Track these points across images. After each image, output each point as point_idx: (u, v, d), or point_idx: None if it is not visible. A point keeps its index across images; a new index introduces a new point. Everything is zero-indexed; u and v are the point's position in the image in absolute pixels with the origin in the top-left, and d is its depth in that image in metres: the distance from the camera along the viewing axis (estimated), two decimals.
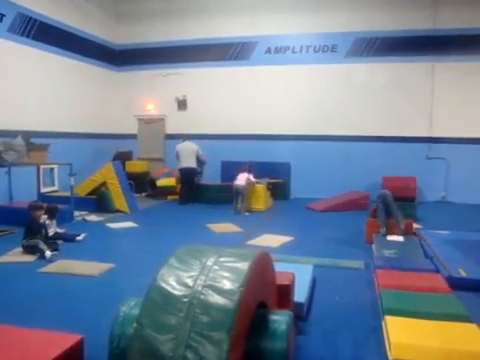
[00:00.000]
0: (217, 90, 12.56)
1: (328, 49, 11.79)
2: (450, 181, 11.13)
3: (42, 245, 5.67)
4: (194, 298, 2.13)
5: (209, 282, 2.20)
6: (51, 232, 6.46)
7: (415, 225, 7.20)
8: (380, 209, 6.69)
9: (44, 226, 6.15)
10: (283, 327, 2.45)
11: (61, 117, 10.74)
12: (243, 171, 9.70)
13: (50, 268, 5.21)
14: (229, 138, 12.40)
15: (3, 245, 6.11)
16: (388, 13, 11.21)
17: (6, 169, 8.23)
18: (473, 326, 3.25)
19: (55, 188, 9.52)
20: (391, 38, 11.24)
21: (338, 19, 11.51)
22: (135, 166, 12.34)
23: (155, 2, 12.81)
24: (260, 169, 10.68)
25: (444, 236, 6.41)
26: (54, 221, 6.72)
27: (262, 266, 2.59)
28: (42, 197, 8.84)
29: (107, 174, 9.40)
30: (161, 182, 11.40)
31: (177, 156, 10.76)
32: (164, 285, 2.22)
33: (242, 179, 9.48)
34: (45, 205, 6.55)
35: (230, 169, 11.29)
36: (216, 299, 2.11)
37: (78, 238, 6.59)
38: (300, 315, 3.64)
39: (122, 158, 11.61)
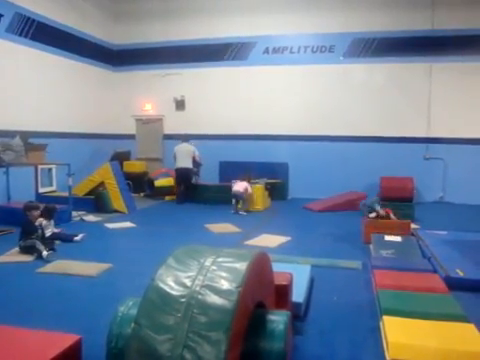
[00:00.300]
0: (215, 90, 12.56)
1: (326, 49, 11.80)
2: (448, 181, 11.15)
3: (39, 245, 5.66)
4: (192, 298, 2.13)
5: (207, 282, 2.20)
6: (49, 232, 6.46)
7: (413, 225, 7.22)
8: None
9: (40, 227, 6.13)
10: (281, 327, 2.46)
11: (59, 117, 10.72)
12: (242, 179, 9.75)
13: (48, 268, 5.21)
14: (227, 138, 12.40)
15: (1, 245, 6.10)
16: (386, 13, 11.22)
17: (4, 169, 8.22)
18: (470, 326, 3.26)
19: (53, 188, 9.49)
20: (389, 38, 11.26)
21: (336, 19, 11.52)
22: (133, 166, 12.33)
23: (153, 2, 12.79)
24: (258, 169, 10.70)
25: (442, 236, 6.42)
26: (52, 221, 6.71)
27: (260, 266, 2.59)
28: (40, 197, 8.84)
29: (105, 174, 9.40)
30: (159, 182, 11.40)
31: (174, 157, 10.86)
32: (162, 285, 2.22)
33: (241, 186, 9.51)
34: (41, 205, 6.54)
35: (228, 169, 11.31)
36: (214, 299, 2.11)
37: (76, 238, 6.59)
38: (298, 315, 3.64)
39: (120, 158, 11.61)
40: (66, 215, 8.02)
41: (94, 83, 12.49)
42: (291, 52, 12.06)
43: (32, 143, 9.29)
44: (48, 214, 6.65)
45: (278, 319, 2.52)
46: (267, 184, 10.58)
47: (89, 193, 9.45)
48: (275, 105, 12.09)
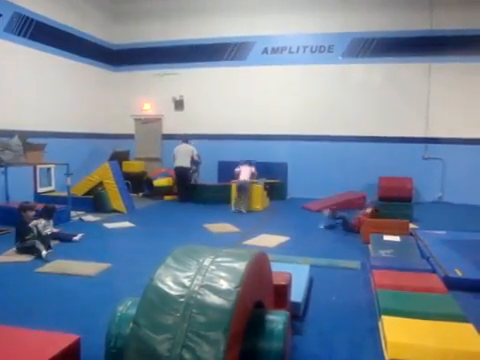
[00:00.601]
0: (214, 90, 12.56)
1: (325, 49, 11.80)
2: (446, 181, 11.15)
3: (39, 245, 5.66)
4: (191, 298, 2.13)
5: (206, 282, 2.20)
6: (48, 232, 6.45)
7: (412, 225, 7.23)
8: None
9: (36, 227, 6.09)
10: (280, 327, 2.45)
11: (58, 117, 10.70)
12: (244, 164, 9.84)
13: (47, 268, 5.21)
14: (226, 138, 12.40)
15: (0, 245, 6.09)
16: (384, 14, 11.23)
17: (3, 169, 8.21)
18: (469, 326, 3.26)
19: (52, 188, 9.48)
20: (387, 38, 11.27)
21: (335, 20, 11.53)
22: (132, 166, 12.32)
23: (152, 2, 12.79)
24: (257, 169, 10.69)
25: (440, 236, 6.42)
26: (51, 221, 6.71)
27: (259, 266, 2.59)
28: (39, 197, 8.85)
29: (104, 174, 9.39)
30: (158, 182, 11.40)
31: (173, 157, 10.97)
32: (161, 285, 2.22)
33: (246, 173, 9.59)
34: (36, 206, 6.52)
35: (227, 169, 11.30)
36: (213, 299, 2.11)
37: (75, 238, 6.59)
38: (297, 315, 3.64)
39: (119, 158, 11.60)
40: (65, 215, 8.02)
41: (93, 83, 12.48)
42: (290, 52, 12.07)
43: (31, 143, 9.26)
44: (47, 214, 6.64)
45: (277, 319, 2.51)
46: (266, 184, 10.57)
47: (88, 193, 9.44)
48: (274, 105, 12.09)
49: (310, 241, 6.99)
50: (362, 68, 11.49)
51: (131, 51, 13.20)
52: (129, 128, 13.38)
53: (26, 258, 5.59)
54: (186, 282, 2.22)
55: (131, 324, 2.13)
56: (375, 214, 7.71)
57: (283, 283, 3.33)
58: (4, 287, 4.59)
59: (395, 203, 8.70)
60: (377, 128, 11.46)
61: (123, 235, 7.43)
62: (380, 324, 3.48)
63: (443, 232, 6.68)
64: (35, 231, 5.99)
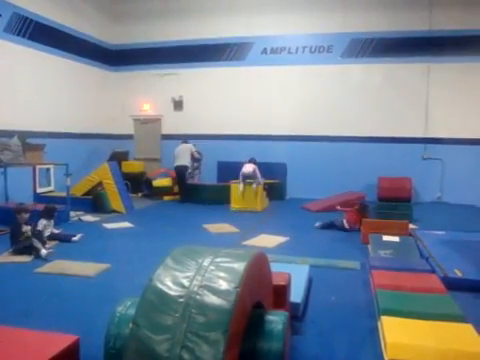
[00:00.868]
0: (213, 90, 12.56)
1: (324, 50, 11.81)
2: (446, 181, 11.16)
3: (37, 243, 5.65)
4: (190, 298, 2.12)
5: (205, 282, 2.20)
6: (48, 232, 6.46)
7: (411, 225, 7.23)
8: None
9: (32, 227, 6.07)
10: (279, 327, 2.45)
11: (57, 117, 10.70)
12: (248, 162, 10.01)
13: (46, 268, 5.20)
14: (225, 138, 12.40)
15: None
16: (383, 14, 11.24)
17: (2, 169, 8.20)
18: (468, 326, 3.26)
19: (51, 188, 9.48)
20: (386, 39, 11.28)
21: (334, 20, 11.54)
22: (131, 166, 12.32)
23: (151, 3, 12.79)
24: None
25: (440, 236, 6.42)
26: (52, 222, 6.71)
27: (258, 266, 2.59)
28: (38, 197, 8.85)
29: (103, 174, 9.39)
30: (157, 182, 11.40)
31: (174, 157, 11.01)
32: (160, 285, 2.22)
33: (249, 167, 9.68)
34: (30, 208, 6.49)
35: (226, 170, 11.31)
36: (212, 299, 2.11)
37: (74, 238, 6.58)
38: (296, 315, 3.65)
39: (118, 158, 11.61)
40: (64, 215, 8.00)
41: (92, 83, 12.48)
42: (289, 52, 12.07)
43: (30, 143, 9.28)
44: (48, 214, 6.65)
45: (276, 319, 2.51)
46: (265, 184, 10.57)
47: (87, 193, 9.45)
48: (273, 105, 12.09)
49: (309, 241, 6.99)
50: (361, 68, 11.50)
51: (130, 51, 13.20)
52: (128, 128, 13.38)
53: (25, 258, 5.57)
54: (185, 282, 2.21)
55: (130, 324, 2.13)
56: (363, 211, 7.79)
57: (282, 283, 3.33)
58: (3, 287, 4.59)
59: (394, 203, 8.71)
60: (376, 128, 11.46)
61: (122, 235, 7.42)
62: (379, 324, 3.48)
63: (442, 232, 6.68)
64: (30, 228, 5.95)
